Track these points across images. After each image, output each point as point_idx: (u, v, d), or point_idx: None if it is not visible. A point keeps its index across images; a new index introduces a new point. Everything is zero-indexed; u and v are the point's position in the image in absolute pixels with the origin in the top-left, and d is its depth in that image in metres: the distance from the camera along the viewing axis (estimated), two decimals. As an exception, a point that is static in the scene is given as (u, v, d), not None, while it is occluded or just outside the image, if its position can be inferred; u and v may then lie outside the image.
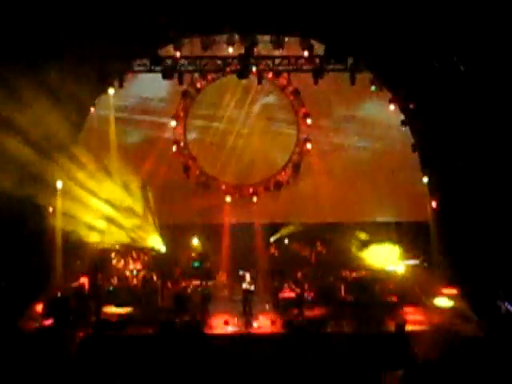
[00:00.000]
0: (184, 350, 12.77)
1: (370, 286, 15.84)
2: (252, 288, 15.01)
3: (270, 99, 18.29)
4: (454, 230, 15.77)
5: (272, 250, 17.15)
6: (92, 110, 17.20)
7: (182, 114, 18.22)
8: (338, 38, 15.57)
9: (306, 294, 15.50)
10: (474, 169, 14.88)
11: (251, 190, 18.09)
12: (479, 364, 11.31)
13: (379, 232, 16.97)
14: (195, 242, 17.31)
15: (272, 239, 17.44)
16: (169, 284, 15.95)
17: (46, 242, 15.89)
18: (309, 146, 18.20)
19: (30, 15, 12.87)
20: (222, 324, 14.16)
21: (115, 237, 16.62)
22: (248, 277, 15.19)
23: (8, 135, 13.33)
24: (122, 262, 16.40)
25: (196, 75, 17.53)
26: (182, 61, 16.55)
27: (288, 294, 15.43)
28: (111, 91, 16.80)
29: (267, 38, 16.08)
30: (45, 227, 15.79)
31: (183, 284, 16.01)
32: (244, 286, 15.09)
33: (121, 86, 16.63)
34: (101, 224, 16.47)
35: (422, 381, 11.35)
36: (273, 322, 14.34)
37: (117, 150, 17.55)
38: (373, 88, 16.98)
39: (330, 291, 15.80)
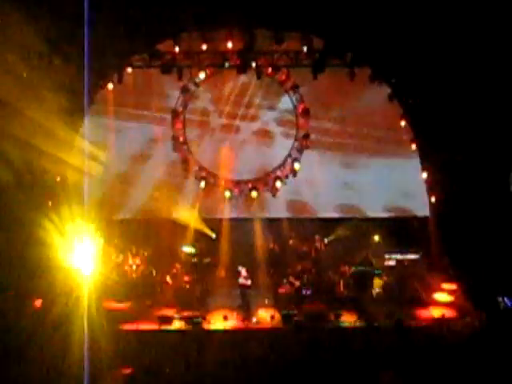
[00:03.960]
0: (183, 344, 12.79)
1: (369, 281, 15.87)
2: (248, 283, 15.04)
3: (269, 94, 18.24)
4: (454, 225, 15.77)
5: (271, 245, 17.14)
6: (91, 105, 17.19)
7: (180, 109, 18.19)
8: (337, 33, 15.56)
9: (304, 289, 15.52)
10: (473, 164, 14.90)
11: (250, 185, 18.07)
12: (479, 359, 11.34)
13: (378, 227, 17.02)
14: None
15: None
16: (168, 279, 15.95)
17: (45, 236, 15.90)
18: (308, 141, 18.17)
19: (28, 10, 12.87)
20: (221, 319, 14.18)
21: None
22: (244, 272, 15.22)
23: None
24: (122, 256, 16.39)
25: (195, 70, 17.49)
26: (181, 56, 16.51)
27: (287, 288, 15.50)
28: (110, 86, 16.77)
29: (267, 32, 16.06)
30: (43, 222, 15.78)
31: (182, 279, 16.02)
32: (240, 280, 15.12)
33: (120, 81, 16.60)
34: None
35: (422, 376, 11.37)
36: (272, 317, 14.37)
37: (116, 144, 17.58)
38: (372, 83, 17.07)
39: (328, 286, 15.84)
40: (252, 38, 15.75)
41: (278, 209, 17.98)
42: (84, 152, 17.02)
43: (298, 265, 16.34)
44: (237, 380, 11.51)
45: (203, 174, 18.13)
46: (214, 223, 17.87)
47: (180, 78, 16.86)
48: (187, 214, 17.57)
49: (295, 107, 18.33)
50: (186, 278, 16.08)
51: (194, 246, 17.16)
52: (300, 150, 18.26)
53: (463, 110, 14.73)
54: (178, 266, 16.42)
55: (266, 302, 15.38)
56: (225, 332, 13.68)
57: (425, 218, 17.38)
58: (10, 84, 13.28)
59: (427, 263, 16.31)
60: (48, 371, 10.66)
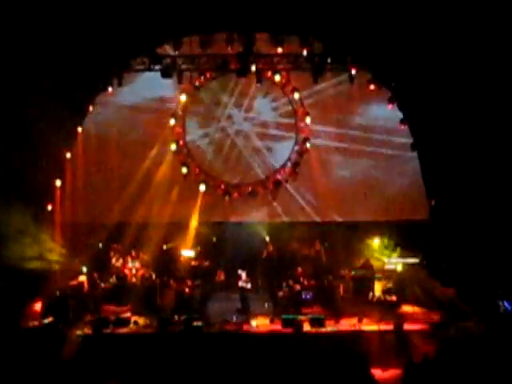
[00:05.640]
0: (183, 348, 12.78)
1: (369, 285, 15.86)
2: (248, 286, 15.05)
3: (269, 98, 18.26)
4: (453, 229, 15.77)
5: (271, 248, 17.12)
6: (91, 108, 17.22)
7: (180, 112, 18.19)
8: (337, 36, 15.56)
9: (304, 293, 15.50)
10: (472, 167, 14.90)
11: (250, 188, 18.06)
12: (478, 363, 11.31)
13: (378, 231, 17.02)
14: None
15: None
16: (169, 282, 15.93)
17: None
18: (308, 145, 18.17)
19: (27, 13, 12.89)
20: (221, 323, 14.17)
21: None
22: (244, 275, 15.23)
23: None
24: (121, 260, 16.38)
25: (195, 74, 17.49)
26: (181, 59, 16.51)
27: (287, 292, 15.48)
28: (110, 89, 16.79)
29: (266, 36, 16.06)
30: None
31: (182, 283, 16.00)
32: (240, 284, 15.13)
33: (120, 84, 16.60)
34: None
35: (421, 380, 11.34)
36: (272, 321, 14.36)
37: (116, 148, 17.60)
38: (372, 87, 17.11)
39: (328, 290, 15.82)
40: (252, 41, 15.74)
41: (277, 212, 17.98)
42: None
43: (298, 268, 16.33)
44: (236, 384, 11.50)
45: (203, 177, 18.13)
46: (213, 226, 17.89)
47: (180, 81, 16.84)
48: (187, 218, 17.56)
49: (295, 111, 18.33)
50: (186, 282, 16.05)
51: (193, 249, 17.14)
52: (300, 154, 18.26)
53: (464, 114, 14.72)
54: (177, 269, 16.40)
55: (266, 305, 15.38)
56: (224, 335, 13.67)
57: (424, 222, 17.35)
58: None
59: (427, 267, 16.29)
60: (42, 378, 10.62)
